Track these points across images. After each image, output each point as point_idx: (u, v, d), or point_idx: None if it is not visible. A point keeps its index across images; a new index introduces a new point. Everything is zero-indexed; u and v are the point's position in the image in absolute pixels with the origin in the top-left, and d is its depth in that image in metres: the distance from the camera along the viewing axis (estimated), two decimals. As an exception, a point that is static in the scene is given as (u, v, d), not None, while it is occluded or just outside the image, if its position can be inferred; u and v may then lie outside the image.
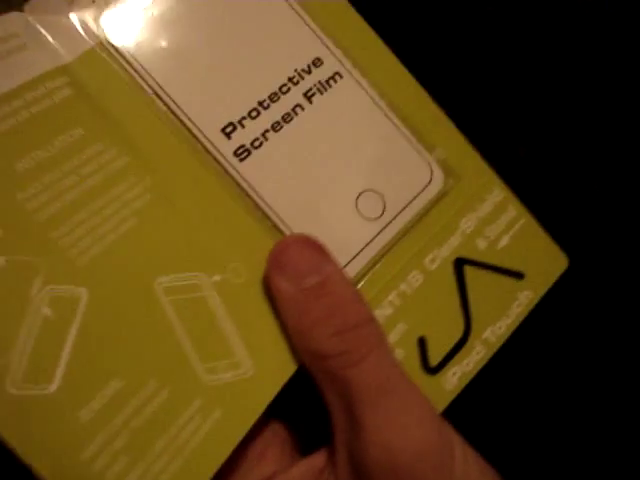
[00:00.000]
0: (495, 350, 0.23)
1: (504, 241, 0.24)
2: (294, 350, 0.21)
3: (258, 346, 0.21)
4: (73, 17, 0.21)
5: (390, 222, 0.23)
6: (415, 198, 0.23)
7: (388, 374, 0.20)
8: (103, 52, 0.21)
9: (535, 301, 0.24)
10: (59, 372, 0.18)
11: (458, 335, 0.23)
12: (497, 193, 0.25)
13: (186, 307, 0.20)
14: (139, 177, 0.21)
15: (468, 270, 0.24)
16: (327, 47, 0.23)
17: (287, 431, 0.23)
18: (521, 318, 0.24)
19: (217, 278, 0.21)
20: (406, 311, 0.23)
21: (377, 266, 0.23)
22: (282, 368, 0.21)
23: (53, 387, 0.18)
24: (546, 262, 0.25)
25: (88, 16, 0.21)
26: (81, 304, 0.19)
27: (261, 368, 0.20)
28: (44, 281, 0.19)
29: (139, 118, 0.21)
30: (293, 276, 0.20)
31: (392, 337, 0.22)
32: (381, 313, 0.22)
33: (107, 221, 0.20)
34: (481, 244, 0.24)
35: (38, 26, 0.21)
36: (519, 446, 0.30)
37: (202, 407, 0.20)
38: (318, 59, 0.23)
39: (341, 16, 0.24)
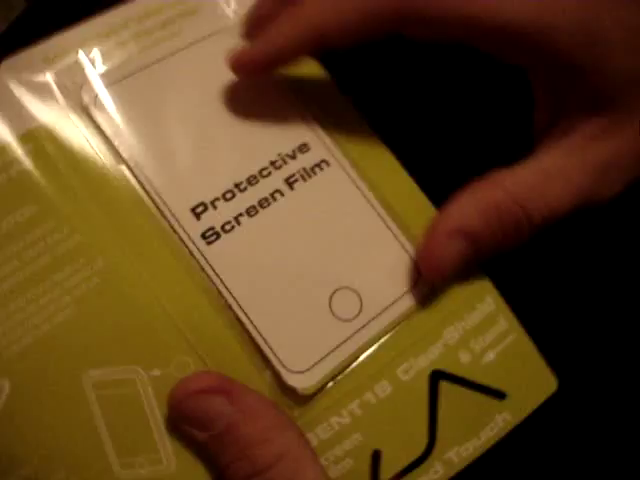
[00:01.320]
0: (456, 472, 0.22)
1: (490, 356, 0.22)
2: None
3: (185, 445, 0.20)
4: (49, 77, 0.20)
5: (365, 325, 0.21)
6: (397, 301, 0.21)
7: None
8: (72, 116, 0.19)
9: (512, 425, 0.22)
10: None
11: (418, 452, 0.21)
12: (489, 302, 0.22)
13: (114, 402, 0.19)
14: (89, 258, 0.19)
15: (444, 385, 0.22)
16: (316, 133, 0.21)
17: None
18: (492, 442, 0.22)
19: (156, 373, 0.19)
20: (365, 422, 0.21)
21: (346, 370, 0.21)
22: (207, 473, 0.20)
23: None
24: (533, 383, 0.22)
25: (64, 78, 0.20)
26: (2, 395, 0.18)
27: (184, 465, 0.20)
28: None
29: (102, 190, 0.20)
30: (199, 426, 0.19)
31: (345, 446, 0.21)
32: (337, 421, 0.21)
33: (43, 310, 0.19)
34: (464, 357, 0.22)
35: (11, 86, 0.19)
36: None
37: None
38: (305, 145, 0.21)
39: (334, 103, 0.21)
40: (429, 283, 0.21)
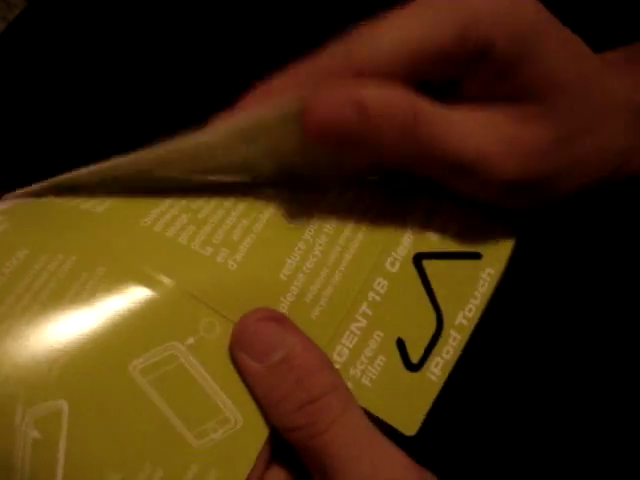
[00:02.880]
0: (470, 332, 0.24)
1: (452, 228, 0.25)
2: None
3: (242, 396, 0.21)
4: None
5: None
6: None
7: (355, 439, 0.21)
8: None
9: (497, 277, 0.25)
10: None
11: (432, 328, 0.24)
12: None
13: (165, 381, 0.20)
14: (90, 271, 0.21)
15: (427, 264, 0.24)
16: None
17: (291, 474, 0.23)
18: (488, 296, 0.25)
19: (191, 341, 0.21)
20: (379, 318, 0.23)
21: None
22: None
23: None
24: (496, 239, 0.26)
25: None
26: (64, 416, 0.19)
27: (249, 417, 0.21)
28: (24, 405, 0.19)
29: (80, 221, 0.22)
30: (257, 354, 0.21)
31: (371, 345, 0.23)
32: (356, 326, 0.23)
33: (70, 327, 0.20)
34: (432, 237, 0.25)
35: None
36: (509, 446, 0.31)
37: (198, 473, 0.20)
38: None
39: None
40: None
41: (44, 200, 0.23)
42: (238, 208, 0.23)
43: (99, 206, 0.23)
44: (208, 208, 0.23)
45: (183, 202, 0.23)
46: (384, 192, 0.25)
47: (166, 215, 0.22)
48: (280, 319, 0.22)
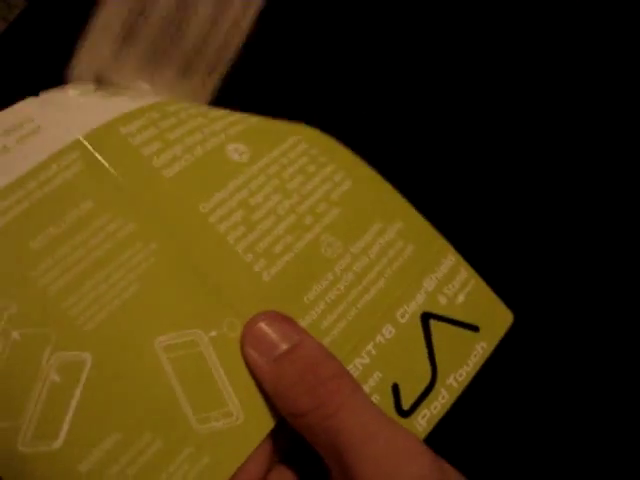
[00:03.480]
0: (458, 395, 0.26)
1: (460, 298, 0.28)
2: None
3: (248, 396, 0.22)
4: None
5: None
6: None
7: (368, 419, 0.21)
8: (113, 128, 0.24)
9: (489, 351, 0.27)
10: (63, 430, 0.20)
11: (426, 381, 0.26)
12: (450, 257, 0.28)
13: (183, 363, 0.22)
14: (144, 242, 0.23)
15: (433, 324, 0.27)
16: None
17: (295, 475, 0.24)
18: (478, 367, 0.27)
19: (213, 334, 0.23)
20: (381, 360, 0.25)
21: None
22: (269, 416, 0.23)
23: (58, 443, 0.20)
24: (495, 317, 0.28)
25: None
26: (86, 368, 0.21)
27: (250, 415, 0.22)
28: (53, 349, 0.20)
29: (147, 187, 0.24)
30: (265, 348, 0.22)
31: (370, 382, 0.25)
32: (360, 362, 0.25)
33: (112, 288, 0.22)
34: (442, 300, 0.27)
35: (51, 108, 0.23)
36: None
37: (192, 454, 0.21)
38: None
39: None
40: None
41: (124, 131, 0.24)
42: (288, 220, 0.25)
43: (171, 167, 0.24)
44: (263, 210, 0.25)
45: (244, 193, 0.25)
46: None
47: (224, 206, 0.25)
48: (287, 319, 0.23)
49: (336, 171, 0.27)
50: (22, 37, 0.34)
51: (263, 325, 0.23)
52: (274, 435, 0.23)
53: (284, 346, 0.22)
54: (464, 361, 0.27)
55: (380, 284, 0.26)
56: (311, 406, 0.21)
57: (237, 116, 0.27)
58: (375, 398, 0.25)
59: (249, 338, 0.23)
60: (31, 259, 0.21)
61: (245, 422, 0.22)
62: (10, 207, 0.22)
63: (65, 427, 0.20)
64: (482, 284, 0.28)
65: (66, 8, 0.35)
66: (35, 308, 0.21)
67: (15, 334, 0.20)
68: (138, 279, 0.22)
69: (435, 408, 0.26)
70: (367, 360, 0.25)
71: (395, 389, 0.25)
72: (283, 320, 0.23)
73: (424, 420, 0.25)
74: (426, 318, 0.26)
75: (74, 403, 0.20)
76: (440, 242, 0.28)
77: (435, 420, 0.26)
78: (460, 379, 0.26)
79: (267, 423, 0.23)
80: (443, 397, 0.26)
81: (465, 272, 0.28)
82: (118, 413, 0.21)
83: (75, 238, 0.22)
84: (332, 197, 0.27)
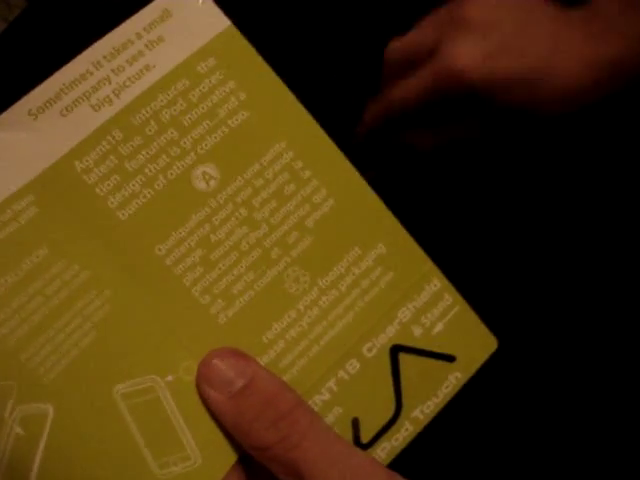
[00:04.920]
0: (423, 426, 0.26)
1: (438, 327, 0.27)
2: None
3: (205, 438, 0.23)
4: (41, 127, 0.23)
5: None
6: None
7: (330, 446, 0.23)
8: (68, 164, 0.23)
9: (463, 381, 0.27)
10: None
11: (389, 415, 0.26)
12: (435, 282, 0.27)
13: (142, 409, 0.23)
14: (99, 290, 0.23)
15: (402, 356, 0.26)
16: None
17: None
18: (449, 398, 0.27)
19: (170, 378, 0.23)
20: (342, 396, 0.25)
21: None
22: (227, 456, 0.24)
23: None
24: (477, 345, 0.27)
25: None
26: (48, 420, 0.22)
27: (208, 458, 0.23)
28: (16, 401, 0.22)
29: (101, 231, 0.23)
30: (220, 385, 0.23)
31: (329, 418, 0.25)
32: (319, 398, 0.25)
33: (69, 337, 0.22)
34: (416, 331, 0.26)
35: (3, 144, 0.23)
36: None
37: None
38: None
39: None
40: None
41: (79, 167, 0.23)
42: (252, 255, 0.25)
43: (127, 206, 0.24)
44: (225, 247, 0.25)
45: (206, 228, 0.24)
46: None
47: (182, 246, 0.24)
48: (239, 353, 0.24)
49: (318, 189, 0.26)
50: (22, 37, 0.33)
51: (217, 361, 0.23)
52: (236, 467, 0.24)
53: (240, 382, 0.23)
54: (433, 393, 0.26)
55: (348, 318, 0.26)
56: (274, 440, 0.23)
57: (221, 116, 0.26)
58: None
59: (204, 376, 0.24)
60: None
61: (203, 465, 0.23)
62: None
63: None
64: (466, 309, 0.27)
65: (66, 8, 0.34)
66: None
67: None
68: (94, 327, 0.23)
69: (396, 440, 0.26)
70: (327, 397, 0.25)
71: (355, 423, 0.25)
72: (235, 355, 0.24)
73: (384, 452, 0.26)
74: (395, 351, 0.26)
75: (38, 455, 0.22)
76: (426, 266, 0.27)
77: (396, 451, 0.26)
78: (427, 411, 0.26)
79: (226, 461, 0.24)
80: (406, 429, 0.26)
81: (449, 298, 0.27)
82: (81, 464, 0.22)
83: (32, 286, 0.22)
84: (307, 224, 0.26)
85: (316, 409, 0.25)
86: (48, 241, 0.23)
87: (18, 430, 0.22)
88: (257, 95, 0.25)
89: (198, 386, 0.24)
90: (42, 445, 0.22)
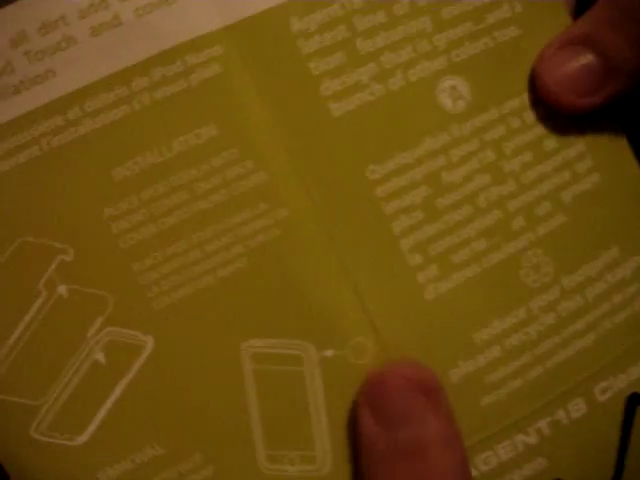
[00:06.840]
0: None
1: None
2: None
3: (345, 446, 0.17)
4: None
5: None
6: None
7: None
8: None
9: None
10: (92, 425, 0.16)
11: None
12: None
13: (272, 380, 0.16)
14: (272, 205, 0.16)
15: (640, 410, 0.18)
16: None
17: None
18: None
19: (329, 353, 0.16)
20: (553, 444, 0.18)
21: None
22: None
23: (80, 440, 0.16)
24: None
25: None
26: (142, 355, 0.16)
27: (337, 471, 0.17)
28: (107, 320, 0.16)
29: (301, 121, 0.16)
30: (385, 420, 0.16)
31: (525, 471, 0.18)
32: (522, 440, 0.17)
33: (208, 259, 0.16)
34: None
35: None
36: None
37: None
38: None
39: None
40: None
41: (295, 27, 0.17)
42: (489, 217, 0.18)
43: (342, 101, 0.17)
44: (457, 195, 0.18)
45: (439, 161, 0.18)
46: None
47: (402, 176, 0.17)
48: (429, 391, 0.16)
49: (583, 156, 0.18)
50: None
51: (395, 386, 0.16)
52: None
53: (408, 431, 0.16)
54: None
55: (587, 340, 0.18)
56: None
57: (489, 21, 0.18)
58: None
59: (373, 393, 0.16)
60: (109, 192, 0.16)
61: (329, 476, 0.17)
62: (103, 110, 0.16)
63: (95, 422, 0.16)
64: None
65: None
66: (97, 260, 0.16)
67: (62, 289, 0.16)
68: (246, 254, 0.16)
69: None
70: (534, 440, 0.18)
71: None
72: (419, 389, 0.16)
73: None
74: (634, 402, 0.18)
75: (114, 395, 0.16)
76: None
77: None
78: None
79: None
80: None
81: None
82: (166, 421, 0.16)
83: (178, 175, 0.16)
84: (563, 197, 0.18)
85: (511, 454, 0.17)
86: (220, 118, 0.16)
87: (99, 356, 0.16)
88: (534, 13, 0.18)
89: (359, 396, 0.16)
90: (123, 384, 0.16)
